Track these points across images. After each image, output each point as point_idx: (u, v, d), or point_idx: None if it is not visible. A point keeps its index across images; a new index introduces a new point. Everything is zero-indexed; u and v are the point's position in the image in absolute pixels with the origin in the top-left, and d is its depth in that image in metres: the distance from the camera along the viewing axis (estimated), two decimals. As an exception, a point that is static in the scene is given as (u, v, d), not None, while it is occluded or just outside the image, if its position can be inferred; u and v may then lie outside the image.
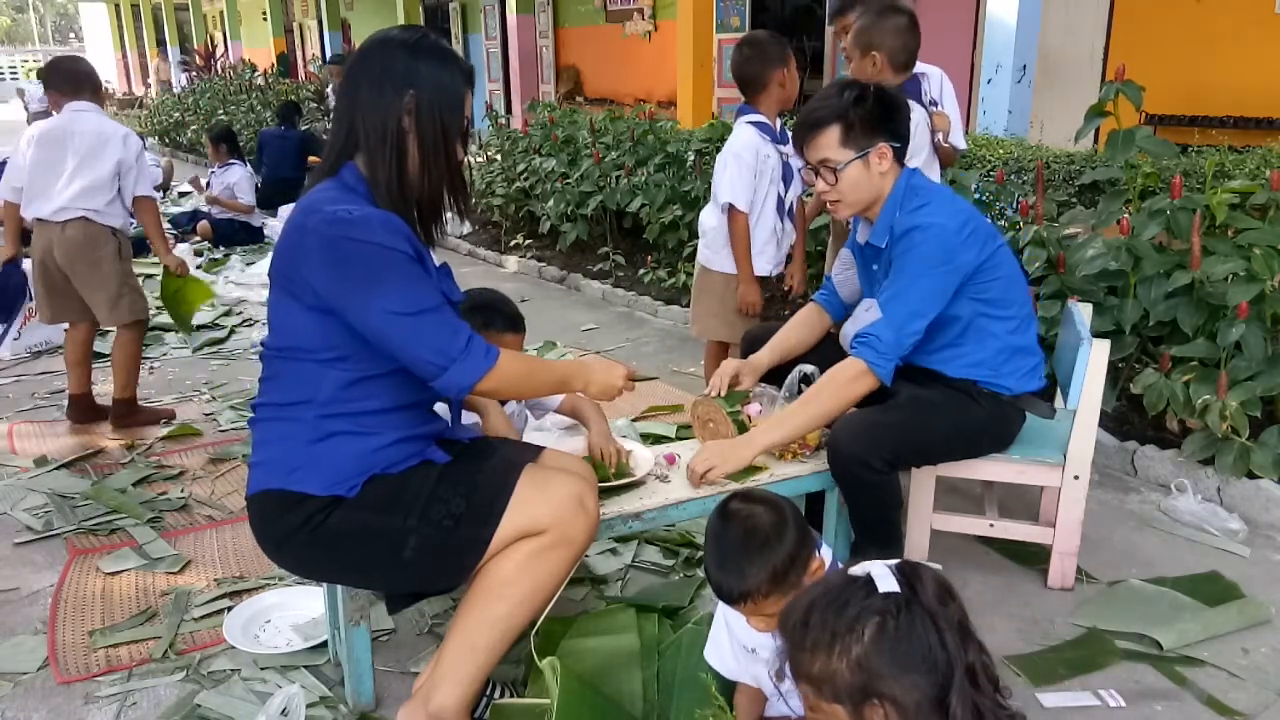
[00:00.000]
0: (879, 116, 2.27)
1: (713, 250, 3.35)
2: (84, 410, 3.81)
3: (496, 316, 2.45)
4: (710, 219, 3.34)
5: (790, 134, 2.42)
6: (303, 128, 9.81)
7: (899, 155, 2.33)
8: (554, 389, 2.03)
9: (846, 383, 2.26)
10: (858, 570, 1.22)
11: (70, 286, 3.61)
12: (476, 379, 1.77)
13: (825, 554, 1.70)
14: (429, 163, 1.79)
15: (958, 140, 3.27)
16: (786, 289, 3.53)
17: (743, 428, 2.35)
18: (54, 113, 3.69)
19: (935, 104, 3.21)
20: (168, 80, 15.70)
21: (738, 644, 1.78)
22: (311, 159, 9.13)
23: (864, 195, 2.32)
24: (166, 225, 7.74)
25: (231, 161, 7.76)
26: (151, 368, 4.61)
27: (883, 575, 1.21)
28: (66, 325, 3.81)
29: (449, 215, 1.92)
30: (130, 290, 3.66)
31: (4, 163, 4.23)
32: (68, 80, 3.66)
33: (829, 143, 2.28)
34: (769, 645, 1.71)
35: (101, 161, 3.53)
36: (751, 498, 1.71)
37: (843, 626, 1.18)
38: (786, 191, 3.26)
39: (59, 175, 3.53)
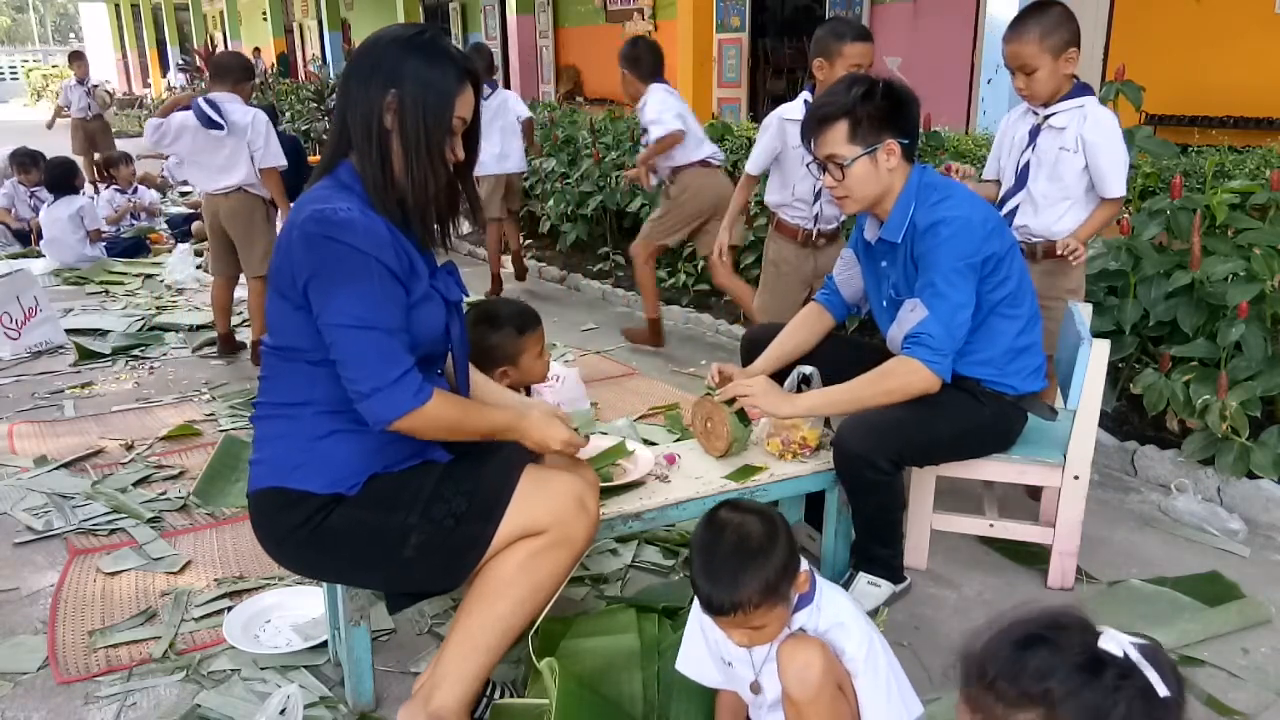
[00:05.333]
0: (887, 112, 2.25)
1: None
2: (229, 346, 4.78)
3: (505, 323, 2.39)
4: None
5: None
6: (303, 127, 9.79)
7: (908, 152, 2.31)
8: (487, 436, 1.89)
9: (903, 379, 2.24)
10: (1107, 643, 1.05)
11: (231, 244, 4.52)
12: (397, 415, 1.72)
13: (803, 567, 1.67)
14: (412, 163, 1.76)
15: None
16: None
17: (744, 417, 2.34)
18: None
19: None
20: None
21: (715, 655, 1.76)
22: (313, 159, 9.13)
23: (871, 191, 2.30)
24: (163, 226, 7.78)
25: None
26: (151, 368, 4.61)
27: (1156, 679, 1.03)
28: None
29: (457, 217, 1.90)
30: (272, 248, 4.35)
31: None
32: (213, 74, 4.64)
33: (836, 139, 2.26)
34: (746, 660, 1.70)
35: (240, 146, 4.33)
36: (740, 507, 1.67)
37: (1071, 699, 1.03)
38: None
39: (215, 159, 4.37)
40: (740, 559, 1.57)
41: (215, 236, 4.58)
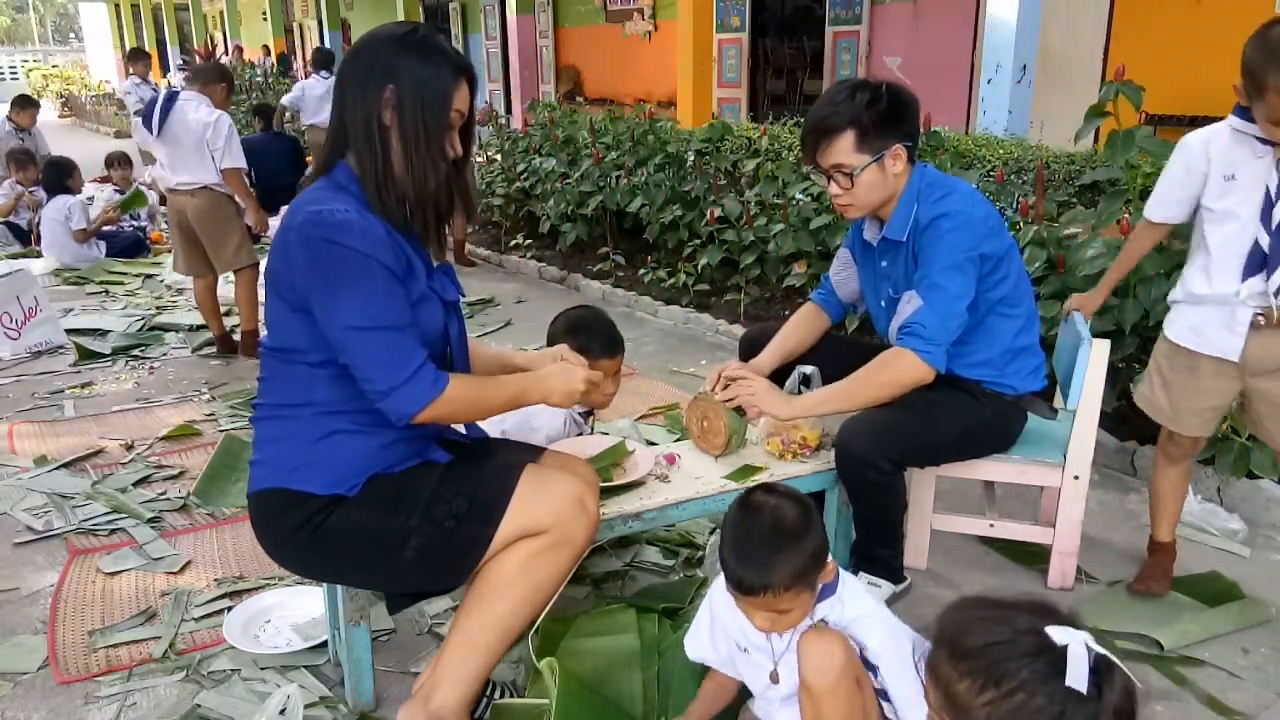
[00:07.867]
0: (892, 117, 2.23)
1: None
2: (227, 346, 4.79)
3: (594, 341, 2.39)
4: None
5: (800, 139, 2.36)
6: (303, 127, 9.77)
7: (911, 154, 2.30)
8: (509, 406, 1.93)
9: (895, 370, 2.23)
10: (1056, 634, 1.10)
11: (200, 242, 4.51)
12: (419, 408, 1.73)
13: (829, 558, 1.69)
14: (412, 160, 1.75)
15: None
16: None
17: (740, 411, 2.34)
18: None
19: None
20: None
21: (730, 641, 1.76)
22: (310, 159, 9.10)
23: (877, 198, 2.29)
24: (163, 226, 7.77)
25: None
26: (151, 368, 4.61)
27: (1078, 669, 1.09)
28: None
29: (453, 214, 1.90)
30: (246, 241, 4.59)
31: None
32: (188, 77, 4.77)
33: (844, 148, 2.23)
34: (765, 647, 1.70)
35: (201, 145, 4.36)
36: (776, 490, 1.68)
37: (1007, 680, 1.11)
38: None
39: (176, 154, 4.41)
40: (774, 541, 1.58)
41: (180, 234, 4.54)
